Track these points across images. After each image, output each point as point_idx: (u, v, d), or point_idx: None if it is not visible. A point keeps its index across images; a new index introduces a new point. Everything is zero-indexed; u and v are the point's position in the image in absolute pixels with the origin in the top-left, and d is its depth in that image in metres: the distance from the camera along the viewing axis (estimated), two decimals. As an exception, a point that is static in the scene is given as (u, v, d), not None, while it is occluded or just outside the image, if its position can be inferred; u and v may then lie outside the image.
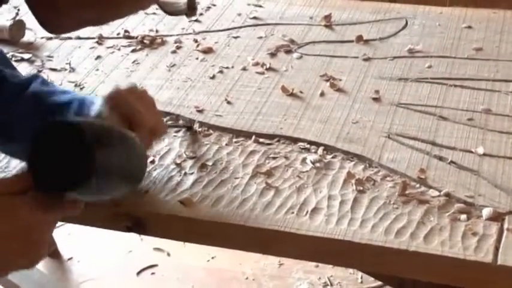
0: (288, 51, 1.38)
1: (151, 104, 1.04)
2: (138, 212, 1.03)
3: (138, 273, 2.13)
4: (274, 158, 1.10)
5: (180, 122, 1.18)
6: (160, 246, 2.19)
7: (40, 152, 0.81)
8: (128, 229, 1.04)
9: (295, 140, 1.14)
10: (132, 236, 1.16)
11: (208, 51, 1.40)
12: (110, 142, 0.85)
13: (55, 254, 2.21)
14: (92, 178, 0.80)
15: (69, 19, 0.82)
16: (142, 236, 1.94)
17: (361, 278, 2.04)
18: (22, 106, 1.03)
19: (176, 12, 0.93)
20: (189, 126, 1.17)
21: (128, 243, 2.20)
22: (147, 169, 1.02)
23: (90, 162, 0.79)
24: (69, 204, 0.82)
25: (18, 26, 1.46)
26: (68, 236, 2.25)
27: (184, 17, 1.52)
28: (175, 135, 1.16)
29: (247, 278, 2.08)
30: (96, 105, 1.01)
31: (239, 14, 1.54)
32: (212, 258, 2.15)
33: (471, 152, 1.08)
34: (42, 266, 2.16)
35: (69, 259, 2.20)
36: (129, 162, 0.89)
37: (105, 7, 0.81)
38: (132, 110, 0.98)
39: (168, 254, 2.17)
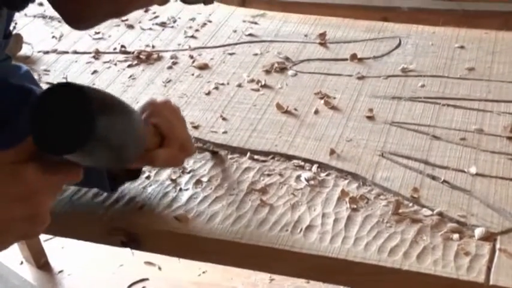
0: (283, 69, 1.39)
1: (182, 120, 1.06)
2: (133, 228, 1.03)
3: (129, 287, 2.12)
4: (269, 175, 1.11)
5: (205, 146, 1.18)
6: (151, 260, 2.19)
7: (40, 113, 0.79)
8: (123, 244, 1.05)
9: (289, 157, 1.15)
10: (124, 250, 1.15)
11: (204, 67, 1.41)
12: (112, 110, 0.83)
13: (46, 267, 2.20)
14: (89, 143, 0.78)
15: (89, 11, 0.84)
16: (134, 250, 1.94)
17: (352, 294, 2.04)
18: None
19: (195, 0, 0.94)
20: (214, 151, 1.16)
21: (119, 257, 2.20)
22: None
23: (90, 127, 0.78)
24: (70, 170, 0.82)
25: (16, 40, 1.47)
26: (59, 249, 2.25)
27: (181, 32, 1.54)
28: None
29: (238, 293, 2.08)
30: None
31: (235, 31, 1.55)
32: (203, 272, 2.15)
33: (464, 171, 1.09)
34: (32, 278, 2.16)
35: (59, 272, 2.20)
36: (127, 135, 0.87)
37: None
38: (165, 122, 1.00)
39: (159, 268, 2.17)
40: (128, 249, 1.12)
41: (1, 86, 1.01)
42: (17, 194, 0.78)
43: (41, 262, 2.20)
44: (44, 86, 1.36)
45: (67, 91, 0.79)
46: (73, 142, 0.78)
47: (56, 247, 2.24)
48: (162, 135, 1.00)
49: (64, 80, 1.38)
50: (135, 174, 1.08)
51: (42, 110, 0.80)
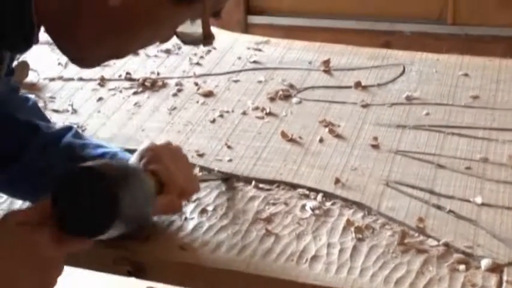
0: (288, 96, 1.40)
1: (184, 163, 1.07)
2: (138, 257, 1.03)
3: (132, 311, 2.12)
4: (274, 204, 1.11)
5: (214, 175, 1.18)
6: (154, 286, 2.18)
7: (66, 198, 0.85)
8: (129, 274, 1.05)
9: (294, 186, 1.15)
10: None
11: (208, 94, 1.42)
12: (130, 187, 0.88)
13: (49, 292, 2.19)
14: (113, 225, 0.85)
15: (91, 52, 0.85)
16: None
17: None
18: (54, 157, 1.05)
19: (193, 41, 0.95)
20: (226, 178, 1.16)
21: (123, 281, 2.19)
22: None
23: (115, 213, 0.84)
24: (81, 240, 0.87)
25: (22, 67, 1.47)
26: (65, 275, 2.24)
27: (186, 59, 1.55)
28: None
29: (241, 319, 2.07)
30: (129, 161, 1.05)
31: (239, 58, 1.56)
32: (207, 297, 2.14)
33: (469, 201, 1.09)
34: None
35: (63, 296, 2.19)
36: (143, 203, 0.94)
37: (124, 39, 0.84)
38: (164, 169, 1.00)
39: (163, 293, 2.16)
40: (131, 274, 1.13)
41: (8, 121, 1.02)
42: (29, 262, 0.81)
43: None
44: (50, 114, 1.36)
45: (88, 176, 0.85)
46: (99, 227, 0.85)
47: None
48: (161, 182, 1.00)
49: (69, 108, 1.39)
50: None
51: (65, 199, 0.85)
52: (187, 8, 0.85)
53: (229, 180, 1.16)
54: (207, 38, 0.91)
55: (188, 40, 0.95)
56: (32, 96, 1.23)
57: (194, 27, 0.92)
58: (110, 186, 0.84)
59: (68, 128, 1.11)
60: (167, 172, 1.00)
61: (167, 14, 0.85)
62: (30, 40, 0.84)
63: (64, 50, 0.87)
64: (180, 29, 0.92)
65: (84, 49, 0.86)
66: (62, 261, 0.86)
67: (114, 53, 0.90)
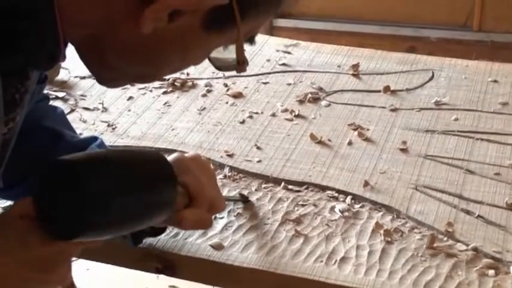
0: (316, 99, 1.41)
1: (212, 176, 1.02)
2: (168, 255, 1.04)
3: (153, 310, 2.13)
4: (303, 206, 1.12)
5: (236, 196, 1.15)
6: (176, 284, 2.19)
7: (43, 197, 0.79)
8: (158, 271, 1.06)
9: (323, 188, 1.15)
10: (148, 273, 1.16)
11: (238, 95, 1.43)
12: (118, 188, 0.81)
13: (72, 288, 2.21)
14: (90, 230, 0.78)
15: (119, 75, 0.85)
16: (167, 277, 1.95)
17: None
18: None
19: (226, 67, 0.93)
20: (245, 199, 1.13)
21: (143, 280, 2.21)
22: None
23: (87, 216, 0.77)
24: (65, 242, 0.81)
25: (53, 65, 1.49)
26: (86, 271, 2.26)
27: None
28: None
29: (262, 320, 2.08)
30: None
31: (268, 60, 1.56)
32: (228, 298, 2.15)
33: (498, 206, 1.09)
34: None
35: (85, 294, 2.21)
36: (149, 207, 0.86)
37: (154, 66, 0.83)
38: (194, 181, 0.96)
39: (184, 292, 2.18)
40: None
41: (33, 127, 1.00)
42: (27, 260, 0.78)
43: (67, 284, 2.21)
44: (81, 112, 1.38)
45: (62, 173, 0.78)
46: (71, 231, 0.77)
47: (81, 269, 2.26)
48: (190, 195, 0.95)
49: (100, 106, 1.40)
50: (159, 230, 1.04)
51: (42, 197, 0.79)
52: (220, 35, 0.81)
53: (248, 202, 1.13)
54: (240, 64, 0.88)
55: (221, 66, 0.93)
56: (60, 106, 1.21)
57: (227, 53, 0.88)
58: (75, 183, 0.77)
59: (93, 138, 1.09)
60: (197, 183, 0.95)
61: (199, 41, 0.81)
62: (56, 58, 0.79)
63: (93, 72, 0.86)
64: (213, 54, 0.88)
65: (113, 73, 0.84)
66: (64, 258, 0.82)
67: (143, 78, 0.89)
